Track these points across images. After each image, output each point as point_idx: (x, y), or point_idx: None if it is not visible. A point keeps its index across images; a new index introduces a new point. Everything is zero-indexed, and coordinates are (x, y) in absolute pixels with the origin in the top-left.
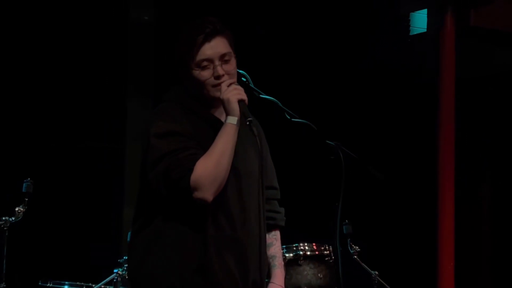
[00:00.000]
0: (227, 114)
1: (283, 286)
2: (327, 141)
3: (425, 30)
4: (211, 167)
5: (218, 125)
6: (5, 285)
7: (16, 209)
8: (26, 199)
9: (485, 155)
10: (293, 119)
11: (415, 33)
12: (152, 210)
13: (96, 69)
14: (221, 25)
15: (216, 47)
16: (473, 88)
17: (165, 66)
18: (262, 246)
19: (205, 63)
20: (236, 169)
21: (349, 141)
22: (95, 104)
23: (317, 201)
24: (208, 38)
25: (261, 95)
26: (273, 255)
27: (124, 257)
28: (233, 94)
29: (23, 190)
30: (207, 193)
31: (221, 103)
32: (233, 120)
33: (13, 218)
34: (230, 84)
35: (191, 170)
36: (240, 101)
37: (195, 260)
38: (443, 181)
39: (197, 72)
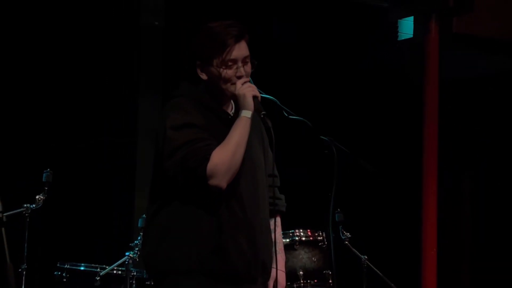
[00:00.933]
0: (242, 108)
1: (284, 270)
2: (322, 137)
3: (412, 36)
4: (227, 156)
5: (226, 118)
6: (26, 266)
7: (37, 197)
8: (46, 188)
9: (467, 151)
10: (290, 117)
11: (403, 38)
12: (167, 196)
13: (111, 70)
14: (245, 28)
15: (241, 49)
16: (457, 89)
17: (176, 64)
18: (269, 229)
19: (230, 63)
20: (245, 158)
21: (341, 137)
22: (109, 102)
23: (312, 191)
24: (237, 40)
25: (262, 94)
26: (274, 241)
27: (135, 241)
28: (248, 90)
29: (43, 179)
30: (222, 181)
31: (236, 98)
32: (247, 114)
33: (34, 205)
34: (244, 82)
35: (207, 159)
36: (254, 97)
37: (211, 242)
38: (427, 174)
39: (221, 70)
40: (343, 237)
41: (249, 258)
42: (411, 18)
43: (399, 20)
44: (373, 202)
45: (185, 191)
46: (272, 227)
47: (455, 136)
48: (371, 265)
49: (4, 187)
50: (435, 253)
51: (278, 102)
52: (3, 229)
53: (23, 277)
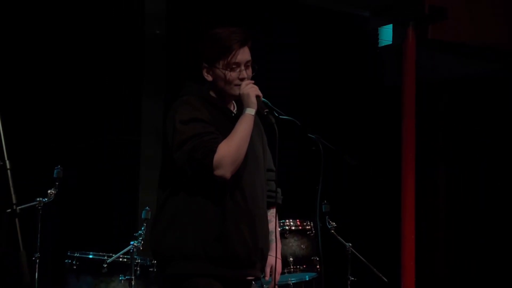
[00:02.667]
0: (246, 106)
1: (280, 258)
2: (309, 135)
3: (391, 42)
4: (232, 149)
5: (230, 115)
6: (39, 255)
7: (48, 191)
8: (57, 183)
9: (441, 146)
10: (281, 117)
11: (383, 45)
12: (175, 186)
13: (118, 74)
14: (248, 35)
15: (244, 54)
16: (432, 91)
17: (178, 68)
18: (266, 219)
19: (234, 66)
20: (247, 153)
21: (327, 134)
22: (116, 103)
23: (301, 184)
24: (241, 46)
25: None
26: (271, 230)
27: (139, 231)
28: (252, 90)
29: (54, 175)
30: (227, 171)
31: (240, 98)
32: (251, 111)
33: (46, 199)
34: (248, 83)
35: (214, 151)
36: (257, 97)
37: (215, 229)
38: (406, 168)
39: (226, 72)
40: (329, 226)
41: (249, 245)
42: (390, 26)
43: (379, 28)
44: (356, 194)
45: (192, 182)
46: (269, 217)
47: (432, 134)
48: (355, 252)
49: (19, 183)
50: (413, 239)
51: (269, 103)
52: (16, 219)
53: (36, 265)
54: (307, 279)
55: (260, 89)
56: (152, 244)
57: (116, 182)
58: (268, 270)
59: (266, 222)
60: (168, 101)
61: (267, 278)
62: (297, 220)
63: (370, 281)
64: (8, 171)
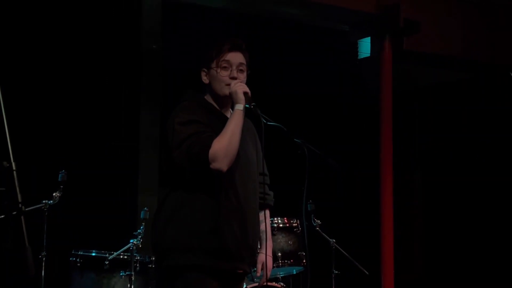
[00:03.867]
0: (235, 103)
1: (271, 256)
2: (295, 139)
3: (369, 54)
4: (225, 143)
5: (225, 119)
6: (45, 254)
7: (54, 194)
8: (61, 186)
9: (416, 149)
10: (268, 123)
11: (362, 57)
12: (174, 185)
13: (118, 86)
14: (244, 45)
15: (236, 57)
16: (406, 99)
17: (174, 78)
18: (257, 218)
19: (224, 64)
20: (240, 155)
21: (312, 140)
22: (115, 112)
23: (288, 185)
24: (232, 49)
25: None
26: (263, 230)
27: (138, 230)
28: (239, 87)
29: (59, 179)
30: (222, 164)
31: (231, 96)
32: (240, 107)
33: (51, 201)
34: (236, 82)
35: (209, 146)
36: (245, 93)
37: (209, 224)
38: (384, 169)
39: (218, 70)
40: (314, 224)
41: (239, 240)
42: (368, 39)
43: (358, 41)
44: (339, 194)
45: (190, 180)
46: (261, 218)
47: (407, 138)
48: (339, 247)
49: (25, 186)
50: (392, 235)
51: (259, 111)
52: (22, 217)
53: (43, 263)
54: (294, 273)
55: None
56: (153, 238)
57: (116, 185)
58: (259, 266)
59: (257, 220)
60: (164, 110)
61: (258, 274)
62: (285, 218)
63: (352, 274)
64: (14, 172)
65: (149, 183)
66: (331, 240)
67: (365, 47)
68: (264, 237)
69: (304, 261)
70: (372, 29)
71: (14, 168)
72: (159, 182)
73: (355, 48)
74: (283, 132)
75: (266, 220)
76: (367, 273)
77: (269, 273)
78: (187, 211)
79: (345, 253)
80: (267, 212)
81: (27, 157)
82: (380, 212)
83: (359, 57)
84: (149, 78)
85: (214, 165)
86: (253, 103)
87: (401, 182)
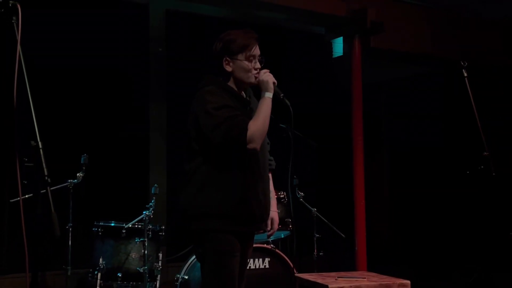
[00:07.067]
0: (265, 91)
1: (277, 211)
2: (281, 125)
3: (342, 53)
4: (260, 126)
5: (243, 100)
6: (71, 225)
7: (77, 174)
8: (84, 168)
9: (384, 133)
10: None
11: (336, 56)
12: (202, 159)
13: (130, 84)
14: (258, 35)
15: (257, 49)
16: (375, 90)
17: (178, 76)
18: (268, 182)
19: (251, 58)
20: None
21: (296, 125)
22: (129, 106)
23: (276, 163)
24: (256, 42)
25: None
26: (270, 190)
27: (150, 203)
28: (270, 77)
29: (82, 161)
30: (258, 144)
31: (259, 83)
32: (269, 95)
33: (76, 181)
34: (266, 71)
35: (246, 129)
36: (274, 83)
37: (237, 194)
38: (356, 149)
39: (246, 63)
40: (298, 196)
41: (263, 205)
42: (341, 39)
43: (332, 41)
44: (318, 170)
45: (218, 155)
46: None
47: (376, 124)
48: (319, 215)
49: (53, 168)
50: (364, 204)
51: (287, 101)
52: (48, 188)
53: (70, 233)
54: (282, 236)
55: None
56: (183, 204)
57: (131, 166)
58: (269, 222)
59: (269, 184)
60: (169, 105)
61: (268, 228)
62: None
63: (331, 237)
64: (40, 150)
65: (158, 163)
66: (312, 209)
67: (338, 48)
68: (271, 196)
69: (290, 226)
70: (343, 30)
71: (40, 146)
72: (186, 157)
73: (330, 49)
74: (272, 119)
75: (270, 182)
76: (344, 236)
77: (276, 225)
78: (217, 184)
79: (324, 219)
80: (270, 175)
81: (56, 144)
82: (353, 182)
83: (333, 56)
84: (156, 76)
85: (251, 145)
86: (282, 94)
87: (371, 159)
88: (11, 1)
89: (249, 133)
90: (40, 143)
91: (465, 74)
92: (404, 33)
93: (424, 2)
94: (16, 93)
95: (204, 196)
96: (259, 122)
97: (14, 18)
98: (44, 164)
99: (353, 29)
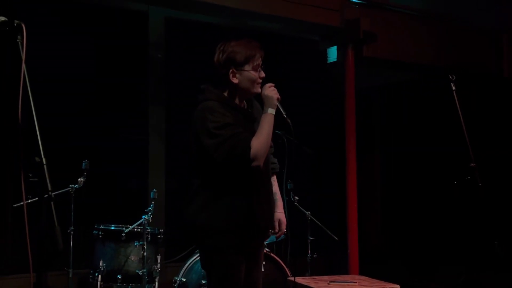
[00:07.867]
0: (269, 106)
1: (283, 212)
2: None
3: (336, 59)
4: (263, 143)
5: (246, 113)
6: (73, 228)
7: (79, 179)
8: (85, 173)
9: (377, 136)
10: None
11: (330, 61)
12: (206, 177)
13: (130, 89)
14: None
15: (260, 58)
16: (367, 95)
17: (176, 81)
18: (272, 187)
19: (257, 67)
20: None
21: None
22: (128, 111)
23: None
24: (260, 51)
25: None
26: (275, 192)
27: (149, 208)
28: (274, 93)
29: (83, 167)
30: (261, 161)
31: (263, 98)
32: (272, 111)
33: (77, 185)
34: (270, 86)
35: (249, 147)
36: (278, 99)
37: (242, 210)
38: (349, 153)
39: (252, 73)
40: (293, 200)
41: (267, 215)
42: (335, 48)
43: (327, 48)
44: (312, 174)
45: (221, 173)
46: (272, 182)
47: (369, 127)
48: (313, 218)
49: (55, 174)
50: (356, 208)
51: (289, 121)
52: (51, 203)
53: (71, 236)
54: (276, 240)
55: None
56: (187, 221)
57: (130, 171)
58: (276, 224)
59: (273, 187)
60: (168, 110)
61: (276, 230)
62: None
63: (324, 240)
64: (44, 166)
65: (157, 168)
66: (306, 212)
67: (333, 54)
68: (276, 198)
69: (285, 230)
70: (338, 39)
71: (44, 162)
72: (193, 171)
73: (324, 55)
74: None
75: (274, 183)
76: (337, 238)
77: (284, 227)
78: (221, 202)
79: (318, 222)
80: (274, 177)
81: (57, 150)
82: (346, 187)
83: (328, 62)
84: (155, 81)
85: (255, 163)
86: (285, 113)
87: (363, 163)
88: (16, 21)
89: (252, 151)
90: (44, 159)
91: (454, 88)
92: (397, 43)
93: (416, 12)
94: (21, 110)
95: (207, 214)
96: (262, 140)
97: (19, 37)
98: (48, 180)
99: (346, 39)
